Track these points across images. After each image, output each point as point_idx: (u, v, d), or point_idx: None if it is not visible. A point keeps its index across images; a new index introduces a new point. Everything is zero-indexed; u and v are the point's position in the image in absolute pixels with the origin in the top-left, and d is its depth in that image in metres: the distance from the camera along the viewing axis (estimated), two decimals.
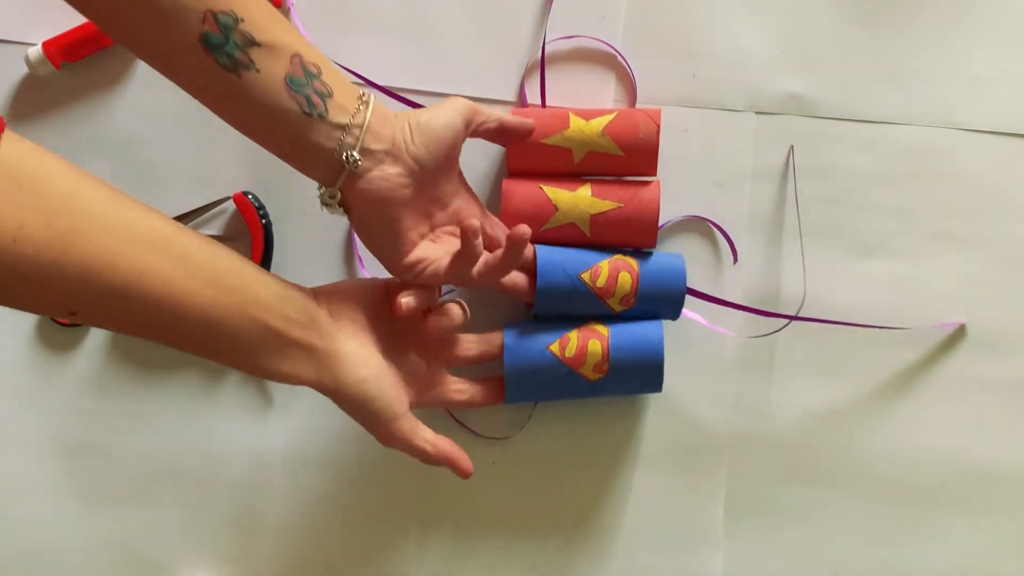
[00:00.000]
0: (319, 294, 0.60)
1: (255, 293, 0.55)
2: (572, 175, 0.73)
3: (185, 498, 0.76)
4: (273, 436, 0.76)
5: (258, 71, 0.54)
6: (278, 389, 0.76)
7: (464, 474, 0.63)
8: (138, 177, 0.75)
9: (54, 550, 0.76)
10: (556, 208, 0.70)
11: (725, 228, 0.75)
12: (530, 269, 0.69)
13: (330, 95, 0.56)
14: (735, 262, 0.74)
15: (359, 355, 0.59)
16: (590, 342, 0.68)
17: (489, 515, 0.76)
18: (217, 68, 0.53)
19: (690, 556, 0.76)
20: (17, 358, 0.76)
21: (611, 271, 0.69)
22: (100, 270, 0.47)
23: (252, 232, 0.74)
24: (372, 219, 0.59)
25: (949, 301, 0.76)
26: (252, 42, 0.53)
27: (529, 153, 0.71)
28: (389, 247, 0.60)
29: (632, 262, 0.70)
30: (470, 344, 0.68)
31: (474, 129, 0.63)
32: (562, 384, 0.69)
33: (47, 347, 0.76)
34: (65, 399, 0.76)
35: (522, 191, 0.71)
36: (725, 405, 0.76)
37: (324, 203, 0.59)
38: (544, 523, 0.76)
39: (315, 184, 0.59)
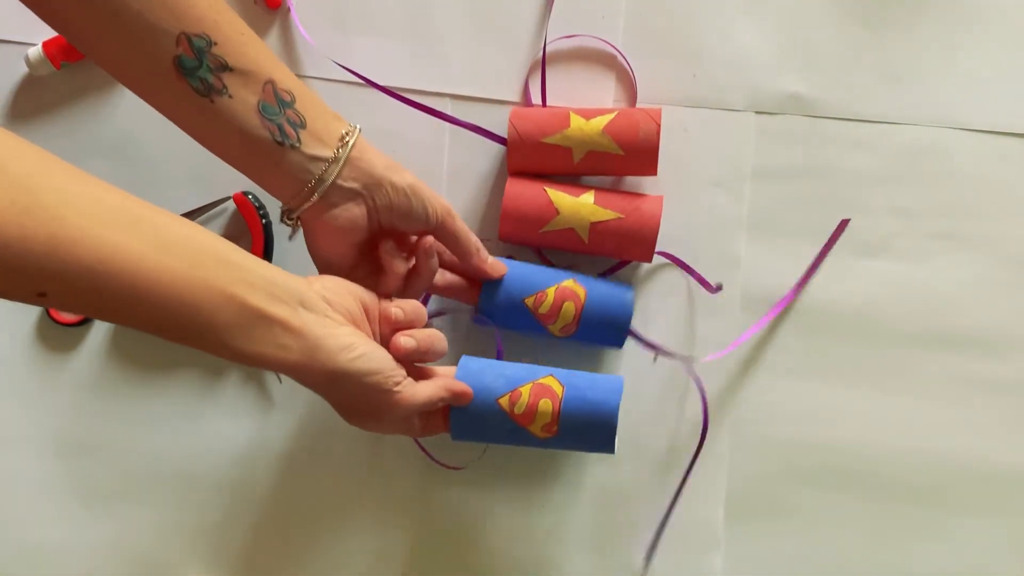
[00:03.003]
0: (313, 281, 0.58)
1: (235, 271, 0.51)
2: (572, 174, 0.73)
3: (185, 498, 0.76)
4: (273, 436, 0.76)
5: (231, 97, 0.54)
6: (278, 389, 0.76)
7: (466, 400, 0.64)
8: (138, 177, 0.75)
9: (54, 550, 0.76)
10: (558, 211, 0.70)
11: (725, 228, 0.75)
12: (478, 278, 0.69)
13: (303, 125, 0.57)
14: (714, 292, 0.74)
15: (352, 335, 0.56)
16: (541, 401, 0.65)
17: (487, 515, 0.76)
18: (190, 92, 0.53)
19: (690, 556, 0.76)
20: (17, 358, 0.76)
21: (556, 299, 0.69)
22: (68, 247, 0.45)
23: (252, 232, 0.74)
24: (323, 245, 0.61)
25: (949, 301, 0.76)
26: (225, 66, 0.53)
27: (530, 152, 0.71)
28: (332, 269, 0.62)
29: (580, 292, 0.69)
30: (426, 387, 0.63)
31: (433, 228, 0.64)
32: (510, 436, 0.66)
33: (47, 347, 0.75)
34: (65, 399, 0.75)
35: (525, 191, 0.71)
36: (725, 404, 0.76)
37: (282, 220, 0.61)
38: (544, 523, 0.76)
39: None
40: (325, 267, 0.62)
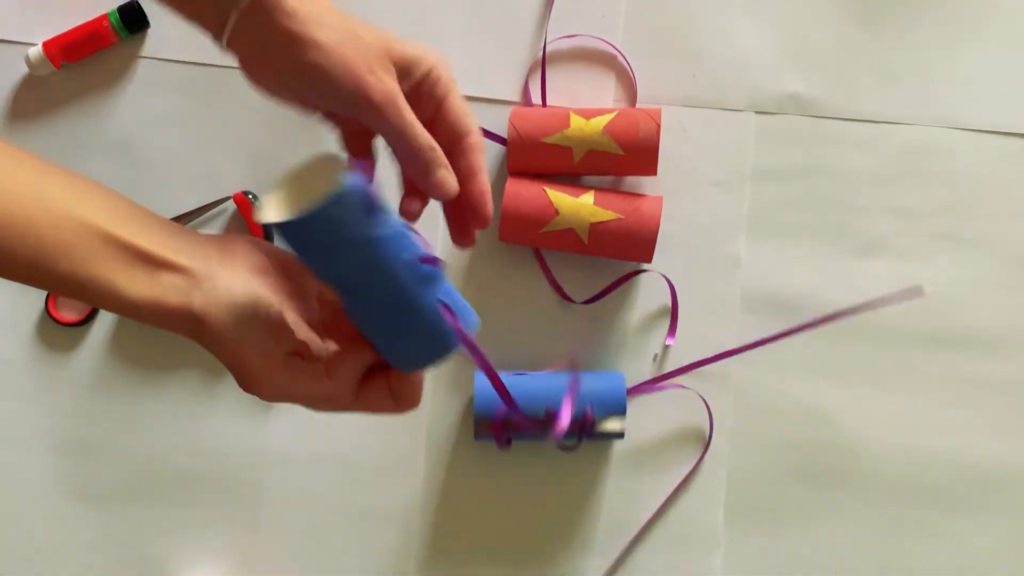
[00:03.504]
0: (213, 236, 0.50)
1: (113, 212, 0.45)
2: (572, 174, 0.73)
3: (185, 498, 0.76)
4: (273, 436, 0.76)
5: None
6: None
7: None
8: (138, 177, 0.75)
9: (54, 550, 0.76)
10: (557, 212, 0.70)
11: (725, 228, 0.75)
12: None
13: None
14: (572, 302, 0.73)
15: (249, 279, 0.47)
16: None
17: (487, 514, 0.76)
18: None
19: (690, 556, 0.76)
20: (17, 358, 0.75)
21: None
22: None
23: (252, 232, 0.74)
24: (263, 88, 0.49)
25: (949, 301, 0.76)
26: None
27: (530, 152, 0.71)
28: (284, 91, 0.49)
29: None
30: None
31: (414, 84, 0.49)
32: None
33: (47, 347, 0.75)
34: (65, 399, 0.75)
35: (525, 191, 0.71)
36: (725, 404, 0.76)
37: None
38: (544, 522, 0.76)
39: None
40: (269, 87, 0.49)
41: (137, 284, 0.45)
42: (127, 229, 0.45)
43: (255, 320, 0.46)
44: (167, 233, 0.46)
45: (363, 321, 0.47)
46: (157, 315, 0.45)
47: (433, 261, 0.46)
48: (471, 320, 0.48)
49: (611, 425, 0.71)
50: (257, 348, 0.46)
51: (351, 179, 0.42)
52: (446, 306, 0.46)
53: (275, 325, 0.46)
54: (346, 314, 0.48)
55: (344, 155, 0.45)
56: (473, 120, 0.50)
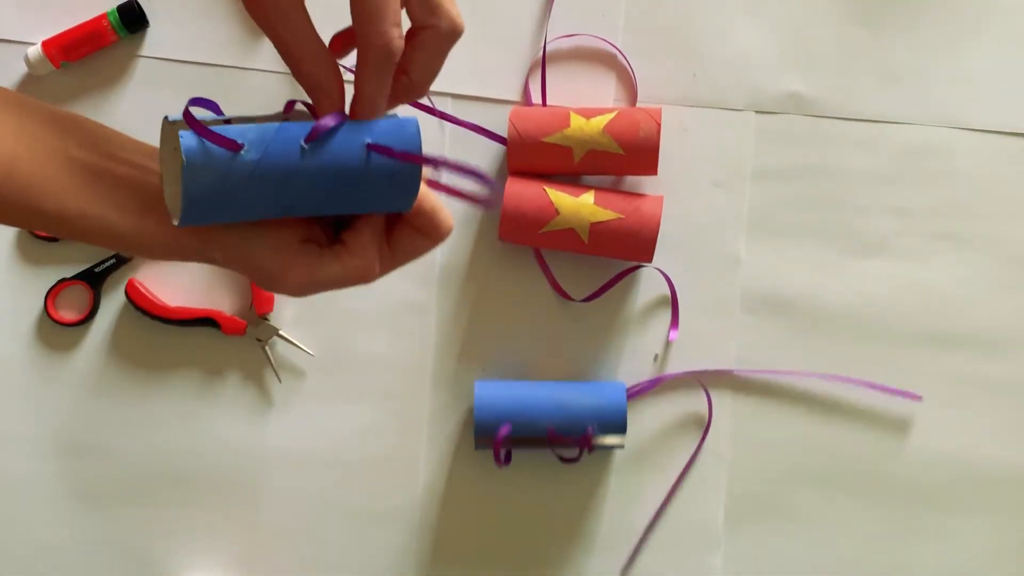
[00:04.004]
0: None
1: (97, 142, 0.44)
2: (572, 174, 0.73)
3: (185, 498, 0.76)
4: (273, 436, 0.76)
5: None
6: (278, 389, 0.76)
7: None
8: None
9: (54, 550, 0.76)
10: (557, 211, 0.70)
11: (725, 228, 0.75)
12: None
13: None
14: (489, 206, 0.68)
15: None
16: None
17: (487, 515, 0.76)
18: None
19: (690, 556, 0.76)
20: (17, 358, 0.75)
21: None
22: None
23: None
24: None
25: (949, 301, 0.76)
26: None
27: (530, 152, 0.71)
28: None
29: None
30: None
31: None
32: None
33: (47, 347, 0.75)
34: (65, 399, 0.75)
35: (525, 191, 0.71)
36: (725, 404, 0.76)
37: None
38: (544, 523, 0.76)
39: None
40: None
41: (128, 216, 0.44)
42: (113, 160, 0.44)
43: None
44: (149, 156, 0.45)
45: (332, 210, 0.44)
46: (155, 245, 0.44)
47: (318, 128, 0.42)
48: (406, 132, 0.44)
49: (611, 440, 0.71)
50: (268, 244, 0.45)
51: (185, 139, 0.39)
52: (374, 147, 0.43)
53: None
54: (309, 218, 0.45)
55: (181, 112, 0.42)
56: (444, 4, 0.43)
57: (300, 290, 0.45)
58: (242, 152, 0.41)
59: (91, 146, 0.44)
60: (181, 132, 0.40)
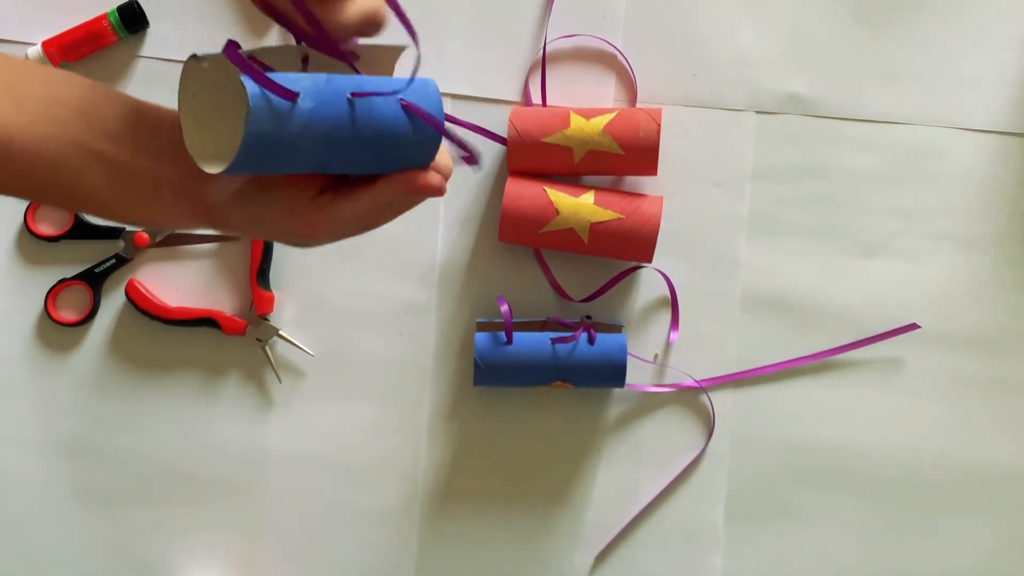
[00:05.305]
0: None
1: (95, 121, 0.45)
2: (573, 174, 0.73)
3: (185, 498, 0.76)
4: (273, 436, 0.76)
5: None
6: (278, 389, 0.76)
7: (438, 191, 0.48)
8: None
9: (54, 550, 0.76)
10: (557, 212, 0.70)
11: (725, 228, 0.75)
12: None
13: None
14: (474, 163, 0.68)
15: None
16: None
17: (488, 516, 0.76)
18: None
19: (690, 556, 0.76)
20: (17, 358, 0.75)
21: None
22: None
23: None
24: None
25: (949, 301, 0.76)
26: None
27: (530, 152, 0.71)
28: None
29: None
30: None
31: None
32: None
33: (47, 347, 0.75)
34: (65, 399, 0.75)
35: (525, 191, 0.71)
36: (725, 404, 0.76)
37: None
38: (545, 523, 0.76)
39: None
40: None
41: (142, 203, 0.45)
42: (136, 153, 0.44)
43: (267, 183, 0.45)
44: (152, 135, 0.45)
45: (366, 165, 0.45)
46: (168, 225, 0.46)
47: (345, 63, 0.43)
48: (428, 90, 0.46)
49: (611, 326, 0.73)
50: (285, 208, 0.46)
51: (249, 87, 0.39)
52: (407, 104, 0.44)
53: (287, 177, 0.45)
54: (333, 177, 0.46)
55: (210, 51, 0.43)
56: None
57: (328, 238, 0.46)
58: (298, 101, 0.41)
59: (93, 129, 0.44)
60: (243, 78, 0.39)
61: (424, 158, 0.46)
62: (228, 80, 0.41)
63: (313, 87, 0.42)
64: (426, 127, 0.45)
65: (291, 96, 0.40)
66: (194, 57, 0.43)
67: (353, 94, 0.43)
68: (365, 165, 0.45)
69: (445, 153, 0.48)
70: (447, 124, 0.46)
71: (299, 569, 0.76)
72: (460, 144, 0.47)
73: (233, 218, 0.46)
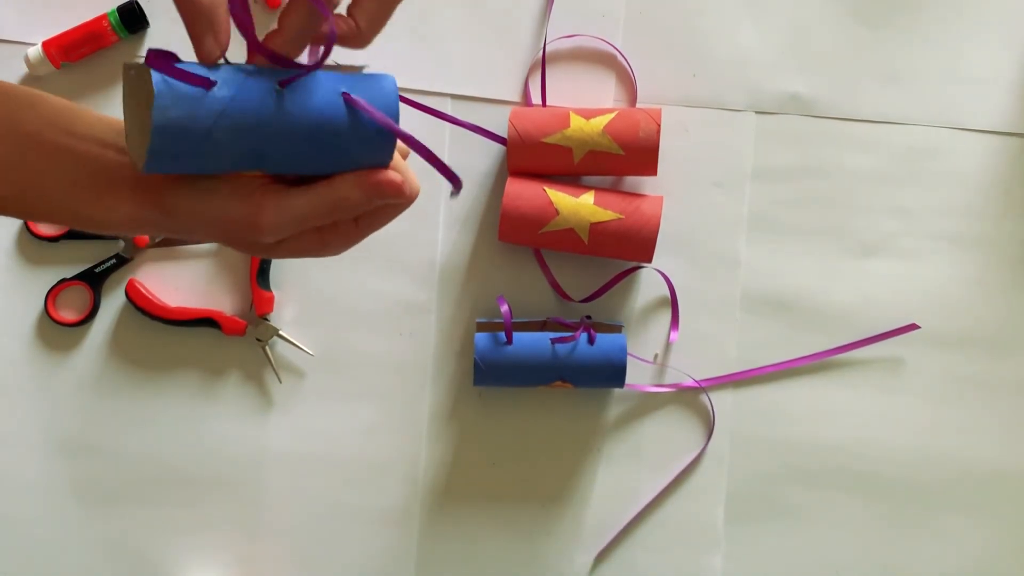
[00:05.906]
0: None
1: (36, 110, 0.43)
2: (572, 174, 0.73)
3: (185, 498, 0.76)
4: (273, 436, 0.76)
5: None
6: (278, 389, 0.76)
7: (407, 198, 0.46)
8: None
9: (54, 550, 0.76)
10: (557, 212, 0.70)
11: (725, 228, 0.75)
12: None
13: None
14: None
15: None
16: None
17: (488, 516, 0.76)
18: None
19: (690, 556, 0.76)
20: (17, 358, 0.75)
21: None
22: None
23: None
24: None
25: (949, 301, 0.76)
26: None
27: (530, 152, 0.71)
28: None
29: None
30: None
31: None
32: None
33: (47, 347, 0.75)
34: (65, 399, 0.75)
35: (525, 192, 0.71)
36: (725, 404, 0.76)
37: None
38: (545, 523, 0.76)
39: None
40: None
41: (85, 194, 0.43)
42: (72, 136, 0.43)
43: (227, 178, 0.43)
44: (112, 130, 0.44)
45: (305, 163, 0.43)
46: (114, 221, 0.43)
47: (289, 69, 0.41)
48: (383, 87, 0.44)
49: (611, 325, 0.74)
50: (230, 192, 0.43)
51: (154, 76, 0.38)
52: (349, 98, 0.42)
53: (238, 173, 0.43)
54: (275, 177, 0.44)
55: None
56: None
57: (277, 230, 0.43)
58: (214, 89, 0.39)
59: (48, 122, 0.42)
60: (152, 70, 0.38)
61: (377, 157, 0.44)
62: (146, 79, 0.40)
63: (233, 76, 0.40)
64: (372, 122, 0.42)
65: (202, 83, 0.39)
66: (125, 65, 0.43)
67: (281, 83, 0.41)
68: (308, 162, 0.43)
69: (406, 166, 0.46)
70: (412, 131, 0.44)
71: (299, 569, 0.76)
72: (417, 147, 0.44)
73: (182, 208, 0.43)
